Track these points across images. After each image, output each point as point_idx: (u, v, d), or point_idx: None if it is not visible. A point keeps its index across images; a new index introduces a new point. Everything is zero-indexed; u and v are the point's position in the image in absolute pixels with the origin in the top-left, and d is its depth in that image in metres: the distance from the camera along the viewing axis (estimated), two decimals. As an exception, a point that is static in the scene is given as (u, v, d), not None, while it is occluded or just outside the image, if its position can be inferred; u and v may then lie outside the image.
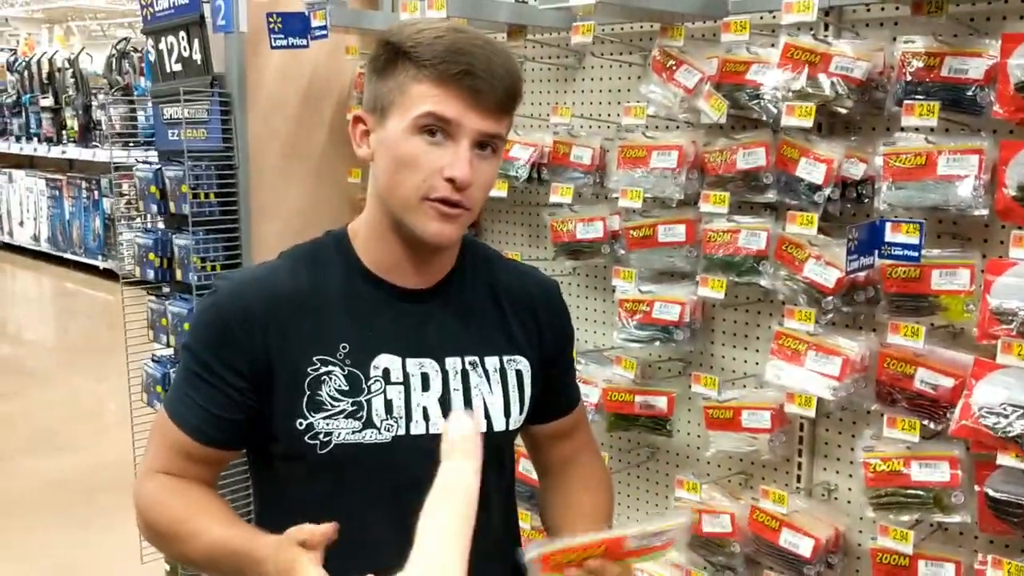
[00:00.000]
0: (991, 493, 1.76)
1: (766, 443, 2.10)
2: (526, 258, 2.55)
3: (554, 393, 1.49)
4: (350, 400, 1.28)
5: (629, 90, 2.37)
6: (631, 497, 2.49)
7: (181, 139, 2.65)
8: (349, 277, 1.33)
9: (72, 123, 9.75)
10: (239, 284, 1.33)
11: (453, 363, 1.34)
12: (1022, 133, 1.74)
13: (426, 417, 1.31)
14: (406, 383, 1.31)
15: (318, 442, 1.27)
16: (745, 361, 2.24)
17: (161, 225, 2.98)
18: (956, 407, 1.75)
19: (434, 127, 1.21)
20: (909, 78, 1.81)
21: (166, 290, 2.95)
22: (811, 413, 1.93)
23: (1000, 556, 1.75)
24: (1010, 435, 1.67)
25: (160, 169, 2.77)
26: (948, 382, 1.80)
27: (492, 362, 1.38)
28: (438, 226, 1.25)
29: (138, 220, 3.12)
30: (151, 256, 2.82)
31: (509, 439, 1.42)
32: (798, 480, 2.16)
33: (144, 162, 2.93)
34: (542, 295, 1.47)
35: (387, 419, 1.29)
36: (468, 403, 1.34)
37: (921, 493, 1.83)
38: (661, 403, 2.27)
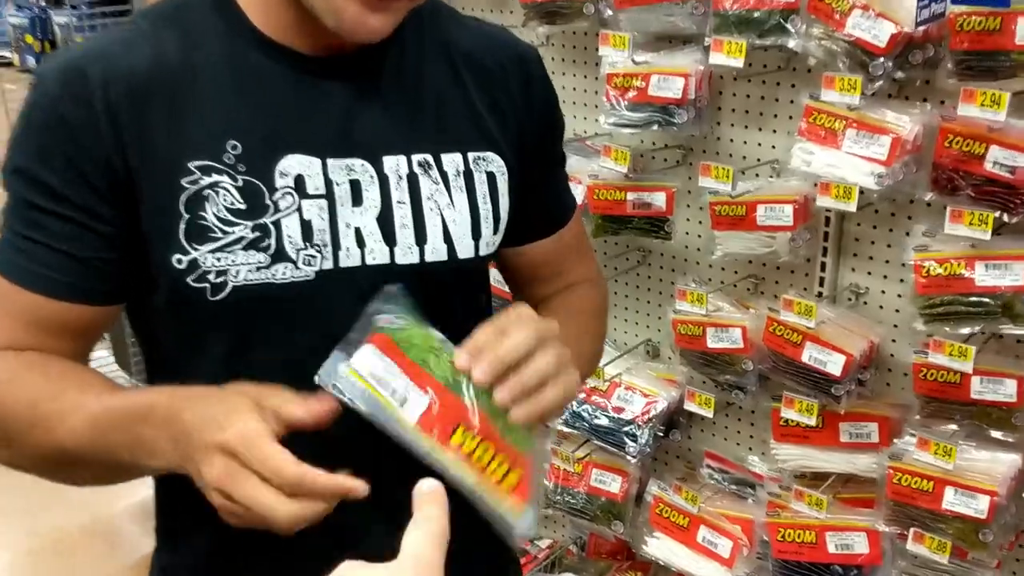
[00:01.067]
0: (1074, 298, 1.44)
1: (786, 242, 1.75)
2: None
3: (537, 202, 1.10)
4: (250, 223, 0.88)
5: None
6: (620, 307, 2.16)
7: None
8: (234, 44, 0.90)
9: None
10: (70, 63, 0.88)
11: (394, 164, 0.94)
12: None
13: (360, 243, 0.92)
14: (329, 195, 0.91)
15: (208, 284, 0.88)
16: (760, 145, 1.85)
17: (39, 2, 2.45)
18: (1040, 194, 1.39)
19: None
20: None
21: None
22: (852, 207, 1.56)
23: (1076, 371, 1.46)
24: (1113, 228, 1.32)
25: (24, -73, 2.21)
26: (1031, 163, 1.43)
27: (453, 161, 0.97)
28: (362, 15, 0.84)
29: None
30: (28, 38, 2.31)
31: (480, 268, 1.04)
32: (820, 284, 1.83)
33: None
34: (516, 63, 1.04)
35: (305, 248, 0.90)
36: (419, 220, 0.95)
37: (987, 300, 1.50)
38: (659, 200, 1.89)
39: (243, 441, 0.74)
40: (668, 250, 2.03)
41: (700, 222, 1.94)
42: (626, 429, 2.00)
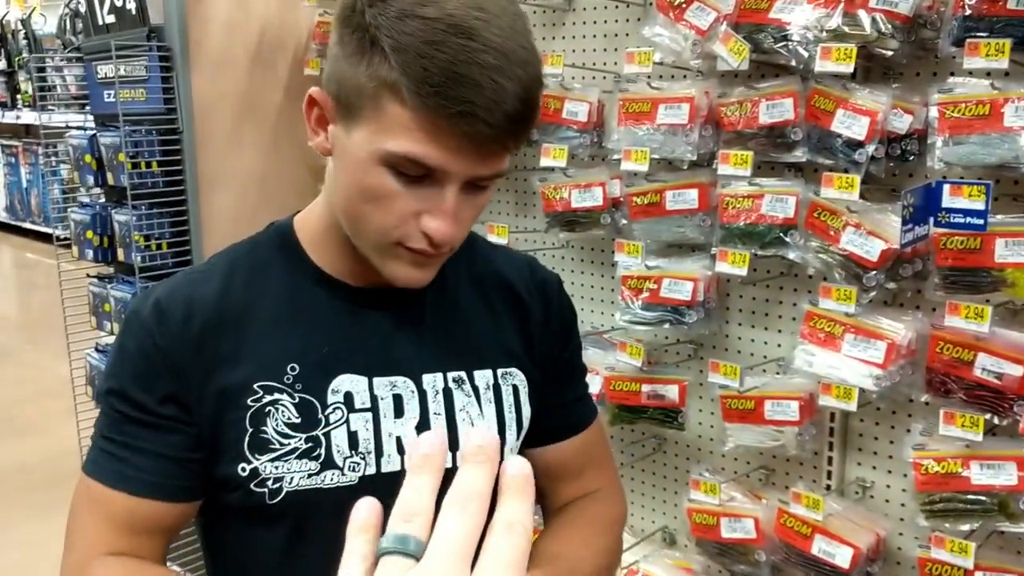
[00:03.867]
0: (1066, 499, 1.51)
1: (793, 437, 1.84)
2: (514, 230, 2.26)
3: (557, 409, 1.21)
4: (303, 435, 1.00)
5: (628, 34, 2.07)
6: (636, 493, 2.23)
7: (116, 101, 2.33)
8: (296, 280, 1.05)
9: (26, 87, 9.29)
10: (160, 301, 1.03)
11: (432, 380, 1.07)
12: (1109, 75, 1.46)
13: (400, 450, 1.04)
14: (374, 409, 1.03)
15: (266, 490, 0.99)
16: (766, 343, 1.98)
17: (102, 199, 2.67)
18: (1027, 400, 1.49)
19: (413, 166, 0.91)
20: (968, 12, 1.52)
21: (110, 271, 2.65)
22: (852, 407, 1.66)
23: (1076, 570, 1.51)
24: (1095, 434, 1.42)
25: (95, 135, 2.45)
26: (1016, 370, 1.53)
27: (483, 376, 1.10)
28: (409, 272, 0.99)
29: (80, 191, 2.80)
30: (89, 234, 2.51)
31: None
32: (828, 477, 1.91)
33: (78, 127, 2.60)
34: (537, 287, 1.19)
35: (352, 456, 1.01)
36: (452, 429, 1.07)
37: (983, 498, 1.57)
38: (672, 392, 2.00)
39: None
40: (682, 439, 2.12)
41: (712, 413, 2.04)
42: (643, 618, 2.03)
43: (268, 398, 0.99)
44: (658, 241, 1.98)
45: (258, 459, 0.98)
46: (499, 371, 1.11)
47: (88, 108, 2.52)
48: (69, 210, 2.61)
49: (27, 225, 9.84)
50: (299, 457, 0.99)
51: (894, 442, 1.81)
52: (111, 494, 1.01)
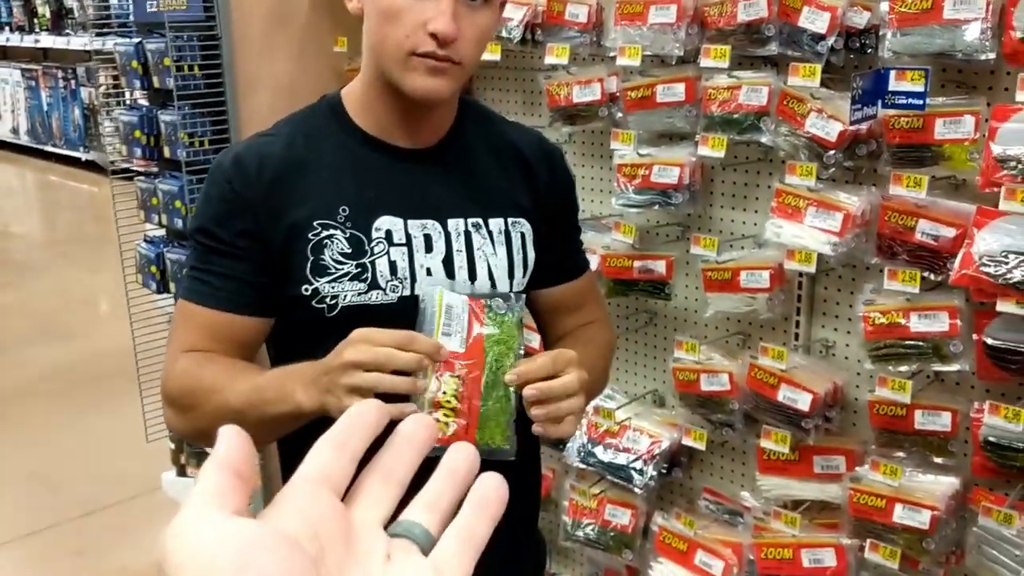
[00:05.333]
0: (990, 341, 1.78)
1: (765, 302, 2.10)
2: (521, 125, 2.50)
3: (555, 257, 1.47)
4: (354, 263, 1.26)
5: (624, -55, 2.28)
6: (630, 362, 2.51)
7: (160, 10, 2.56)
8: (346, 140, 1.31)
9: (43, 10, 9.44)
10: (237, 155, 1.29)
11: (456, 224, 1.33)
12: (1033, -28, 1.68)
13: (430, 275, 1.30)
14: (409, 244, 1.29)
15: (325, 306, 1.26)
16: (744, 222, 2.23)
17: (145, 102, 2.92)
18: (957, 257, 1.75)
19: None
20: (917, -83, 1.74)
21: (155, 168, 2.91)
22: (811, 269, 1.92)
23: (997, 403, 1.78)
24: (1011, 282, 1.67)
25: (141, 43, 2.69)
26: (949, 232, 1.79)
27: (496, 224, 1.36)
28: (425, 81, 1.22)
29: (122, 99, 3.04)
30: (137, 134, 2.77)
31: None
32: (796, 338, 2.18)
33: (124, 36, 2.83)
34: (543, 156, 1.45)
35: (392, 280, 1.28)
36: (472, 264, 1.33)
37: (920, 343, 1.84)
38: (660, 267, 2.27)
39: (361, 334, 1.11)
40: (669, 311, 2.39)
41: (696, 287, 2.30)
42: (634, 465, 2.33)
43: (325, 233, 1.26)
44: (650, 131, 2.22)
45: (318, 281, 1.25)
46: (509, 220, 1.37)
47: (132, 17, 2.74)
48: (117, 112, 2.86)
49: (49, 148, 10.10)
50: (351, 280, 1.26)
51: (852, 305, 2.08)
52: (198, 309, 1.28)
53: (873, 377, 1.94)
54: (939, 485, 1.91)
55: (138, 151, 2.78)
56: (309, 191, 1.27)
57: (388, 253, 1.28)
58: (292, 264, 1.26)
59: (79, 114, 9.61)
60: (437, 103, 1.28)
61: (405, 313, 1.27)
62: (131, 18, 2.82)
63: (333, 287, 1.26)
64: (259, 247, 1.26)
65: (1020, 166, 1.67)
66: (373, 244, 1.27)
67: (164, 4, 2.56)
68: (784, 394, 2.04)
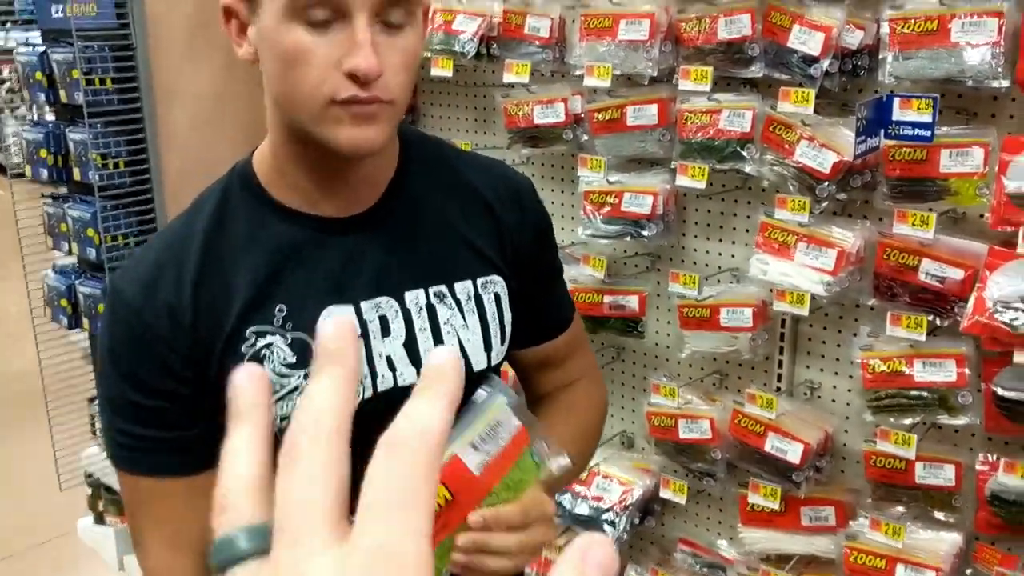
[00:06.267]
0: (1000, 392, 1.63)
1: (747, 342, 1.94)
2: (476, 146, 2.29)
3: (536, 312, 1.26)
4: (302, 372, 1.03)
5: (587, -49, 2.09)
6: (595, 401, 2.33)
7: (68, 16, 2.28)
8: (265, 221, 1.05)
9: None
10: (140, 276, 1.03)
11: (414, 297, 1.10)
12: (1051, -8, 1.54)
13: (391, 367, 1.08)
14: (363, 333, 1.06)
15: (278, 428, 1.03)
16: (720, 254, 2.06)
17: (51, 117, 2.63)
18: (966, 301, 1.60)
19: (316, 6, 0.93)
20: (921, -71, 1.58)
21: (63, 191, 2.62)
22: (805, 312, 1.76)
23: (1005, 456, 1.64)
24: (1028, 331, 1.53)
25: (45, 52, 2.40)
26: (957, 274, 1.64)
27: (464, 288, 1.13)
28: (353, 132, 0.97)
29: (23, 111, 2.74)
30: (42, 153, 2.47)
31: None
32: (779, 380, 2.02)
33: (26, 44, 2.54)
34: (509, 194, 1.20)
35: None
36: (438, 342, 1.11)
37: (925, 394, 1.69)
38: (632, 302, 2.08)
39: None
40: (641, 348, 2.21)
41: (669, 323, 2.13)
42: (605, 516, 2.15)
43: (262, 342, 1.02)
44: (619, 156, 2.04)
45: None
46: (479, 280, 1.14)
47: (36, 24, 2.45)
48: (20, 129, 2.56)
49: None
50: (300, 394, 1.03)
51: (841, 345, 1.92)
52: (144, 481, 1.03)
53: (866, 424, 1.79)
54: (941, 543, 1.76)
55: (44, 172, 2.49)
56: (236, 293, 1.03)
57: None
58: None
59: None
60: (371, 155, 1.03)
61: (369, 418, 1.04)
62: (34, 19, 2.53)
63: (281, 408, 1.03)
64: (197, 381, 1.02)
65: (1036, 204, 1.53)
66: None
67: (72, 10, 2.28)
68: (772, 444, 1.88)
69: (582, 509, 2.17)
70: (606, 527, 2.13)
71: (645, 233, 2.00)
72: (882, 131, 1.60)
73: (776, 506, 1.90)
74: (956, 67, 1.58)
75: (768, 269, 1.83)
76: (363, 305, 1.07)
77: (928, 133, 1.57)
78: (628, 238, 2.03)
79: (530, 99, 2.09)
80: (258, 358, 1.02)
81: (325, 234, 1.06)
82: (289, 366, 1.03)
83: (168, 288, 1.01)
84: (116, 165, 2.36)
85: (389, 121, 1.00)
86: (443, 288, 1.12)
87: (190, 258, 1.03)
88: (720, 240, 2.06)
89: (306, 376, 1.03)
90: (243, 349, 1.02)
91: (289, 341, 1.03)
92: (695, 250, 2.09)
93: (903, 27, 1.61)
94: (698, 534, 2.22)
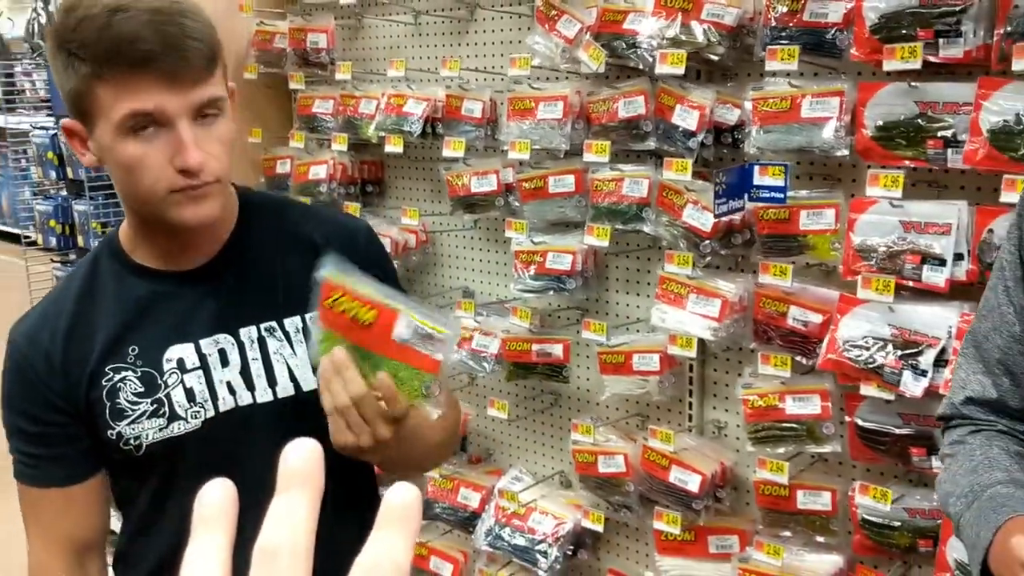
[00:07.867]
0: (860, 423, 1.84)
1: (656, 384, 2.16)
2: (425, 213, 2.57)
3: None
4: (149, 399, 1.28)
5: (520, 41, 2.38)
6: (536, 443, 2.55)
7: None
8: (126, 278, 1.31)
9: (-6, 90, 9.50)
10: (27, 328, 1.31)
11: (248, 332, 1.32)
12: (878, 75, 1.79)
13: (231, 391, 1.31)
14: (204, 365, 1.30)
15: (131, 447, 1.28)
16: (638, 307, 2.30)
17: (64, 192, 2.95)
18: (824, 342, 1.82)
19: (143, 124, 1.14)
20: (774, 23, 1.84)
21: (72, 257, 2.93)
22: (691, 354, 1.99)
23: (868, 483, 1.84)
24: (871, 366, 1.74)
25: (56, 134, 2.74)
26: (818, 318, 1.86)
27: (292, 323, 1.34)
28: (193, 211, 1.20)
29: (43, 186, 3.08)
30: (52, 223, 2.80)
31: None
32: (690, 419, 2.23)
33: (40, 127, 2.88)
34: (342, 237, 1.38)
35: (192, 407, 1.29)
36: (269, 369, 1.32)
37: (795, 426, 1.90)
38: (557, 351, 2.32)
39: None
40: (571, 392, 2.44)
41: (589, 368, 2.36)
42: (539, 547, 2.35)
43: (117, 376, 1.28)
44: (544, 220, 2.30)
45: (119, 424, 1.27)
46: (307, 316, 1.31)
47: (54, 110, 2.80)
48: (34, 202, 2.89)
49: (-1, 227, 10.02)
50: (149, 418, 1.27)
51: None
52: (39, 492, 1.31)
53: (754, 455, 1.99)
54: (823, 564, 1.95)
55: (53, 240, 2.81)
56: (98, 339, 1.28)
57: (183, 382, 1.29)
58: (95, 412, 1.28)
59: (28, 194, 9.58)
60: (211, 225, 1.27)
61: (215, 435, 1.29)
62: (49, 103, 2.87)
63: (133, 429, 1.27)
64: (71, 411, 1.28)
65: (876, 256, 1.76)
66: (166, 376, 1.29)
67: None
68: (675, 475, 2.08)
69: (519, 540, 2.37)
70: (539, 557, 2.33)
71: (567, 287, 2.25)
72: (746, 194, 1.85)
73: (678, 532, 2.09)
74: (806, 139, 1.83)
75: (667, 317, 2.06)
76: (202, 342, 1.31)
77: (782, 195, 1.81)
78: (552, 292, 2.27)
79: (467, 171, 2.36)
80: (114, 389, 1.27)
81: (175, 286, 1.31)
82: (137, 394, 1.28)
83: (46, 337, 1.29)
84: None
85: (220, 194, 1.23)
86: (273, 324, 1.34)
87: (64, 313, 1.30)
88: (637, 294, 2.29)
89: (152, 402, 1.27)
90: (103, 382, 1.27)
91: (139, 375, 1.28)
92: (616, 303, 2.33)
93: (763, 105, 1.87)
94: (627, 566, 2.41)
